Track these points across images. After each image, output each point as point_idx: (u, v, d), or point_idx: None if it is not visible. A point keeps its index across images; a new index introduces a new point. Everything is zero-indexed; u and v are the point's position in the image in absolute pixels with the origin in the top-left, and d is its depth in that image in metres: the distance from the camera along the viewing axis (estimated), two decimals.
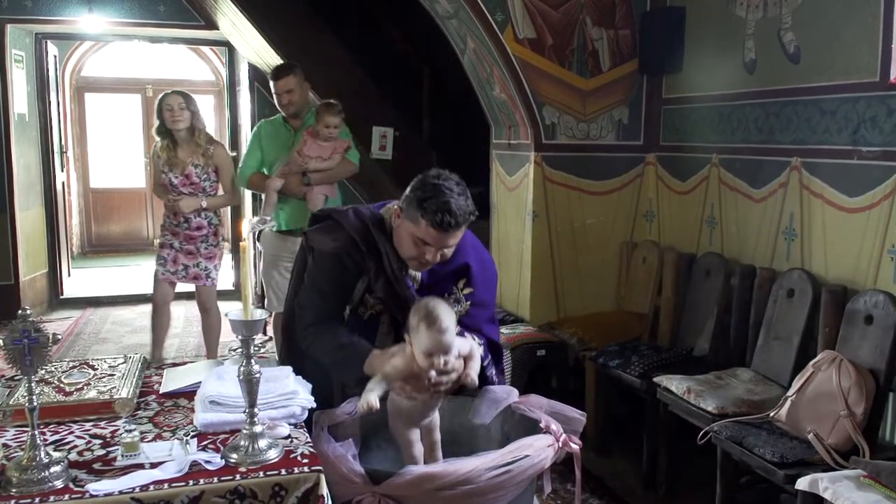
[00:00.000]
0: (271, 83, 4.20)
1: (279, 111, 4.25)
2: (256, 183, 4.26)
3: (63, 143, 7.81)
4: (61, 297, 6.93)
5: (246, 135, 7.14)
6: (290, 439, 1.79)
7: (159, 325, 4.64)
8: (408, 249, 2.15)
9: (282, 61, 4.71)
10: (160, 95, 4.34)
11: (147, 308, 6.60)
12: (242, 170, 4.32)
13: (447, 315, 1.97)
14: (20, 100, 6.26)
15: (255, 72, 6.81)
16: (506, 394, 2.34)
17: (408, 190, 2.16)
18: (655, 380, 3.19)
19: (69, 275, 7.50)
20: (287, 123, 4.26)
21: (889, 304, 2.59)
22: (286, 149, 4.15)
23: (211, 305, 4.58)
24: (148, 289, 7.24)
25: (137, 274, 8.17)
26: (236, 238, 7.17)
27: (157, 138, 4.33)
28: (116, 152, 9.70)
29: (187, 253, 4.40)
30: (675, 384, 3.07)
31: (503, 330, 3.93)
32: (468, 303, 2.32)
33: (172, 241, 4.38)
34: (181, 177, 4.30)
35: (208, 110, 9.89)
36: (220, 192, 4.48)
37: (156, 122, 4.32)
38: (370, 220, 2.24)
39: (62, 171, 7.49)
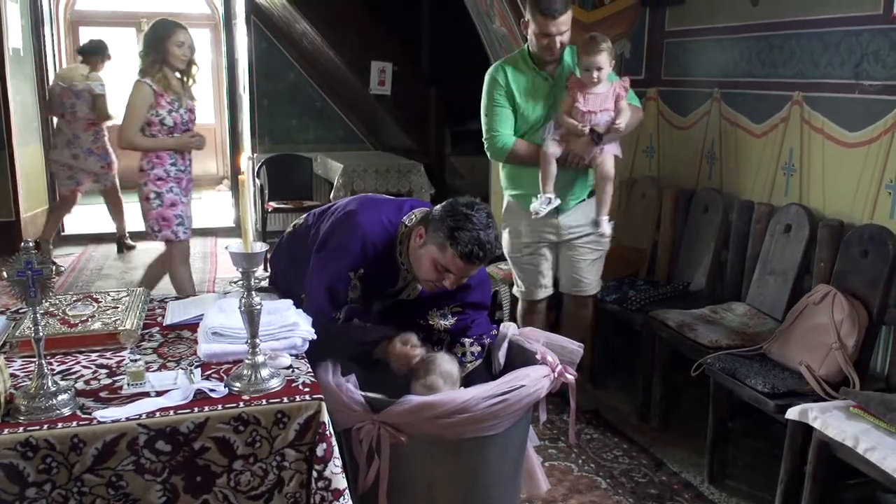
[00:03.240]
0: (537, 18, 3.03)
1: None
2: (523, 154, 3.15)
3: None
4: (63, 233, 6.95)
5: (243, 69, 7.06)
6: (291, 369, 1.83)
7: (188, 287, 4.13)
8: (426, 272, 2.14)
9: None
10: (158, 29, 3.86)
11: (149, 245, 6.66)
12: (497, 138, 3.17)
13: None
14: (14, 34, 6.17)
15: (251, 4, 6.70)
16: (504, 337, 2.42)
17: (436, 213, 2.12)
18: (651, 314, 3.23)
19: (70, 211, 7.50)
20: (540, 69, 3.16)
21: (885, 238, 2.61)
22: (547, 103, 3.16)
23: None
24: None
25: (138, 210, 8.17)
26: (236, 172, 7.15)
27: (149, 76, 3.78)
28: (112, 87, 9.57)
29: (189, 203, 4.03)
30: (670, 318, 3.12)
31: (501, 265, 3.97)
32: (455, 318, 2.35)
33: (180, 194, 3.94)
34: (189, 112, 3.95)
35: (204, 45, 9.75)
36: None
37: (145, 57, 3.82)
38: (391, 236, 2.23)
39: None
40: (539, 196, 3.09)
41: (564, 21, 3.04)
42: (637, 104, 3.26)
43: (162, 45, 3.80)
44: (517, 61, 3.21)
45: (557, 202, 3.10)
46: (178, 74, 3.90)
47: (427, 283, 2.18)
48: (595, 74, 3.02)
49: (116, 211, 6.50)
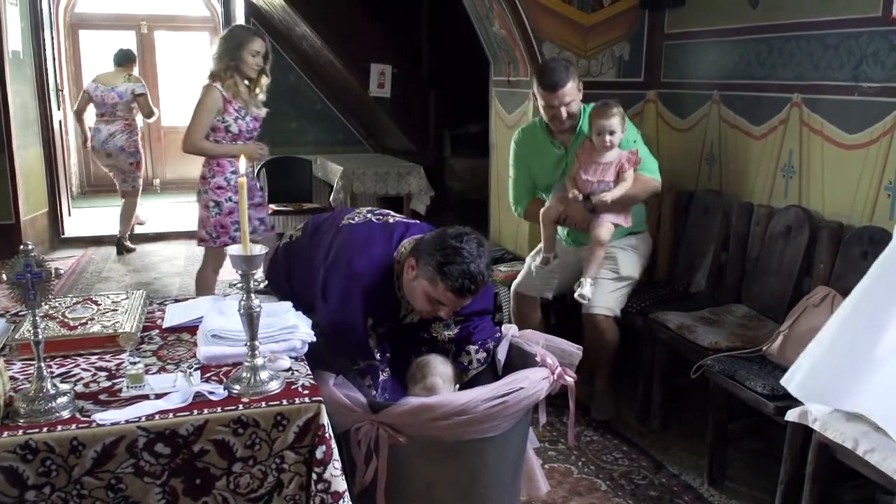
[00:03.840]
0: (539, 91, 3.22)
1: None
2: (535, 214, 3.37)
3: (59, 81, 7.73)
4: (62, 236, 6.96)
5: None
6: (290, 371, 1.83)
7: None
8: (420, 304, 2.14)
9: (547, 66, 3.29)
10: (236, 35, 3.80)
11: (149, 247, 6.67)
12: (517, 198, 3.53)
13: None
14: (14, 37, 6.17)
15: (251, 7, 6.70)
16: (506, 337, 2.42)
17: (425, 245, 2.10)
18: (651, 315, 3.23)
19: (69, 214, 7.51)
20: (552, 137, 3.34)
21: (884, 240, 2.60)
22: (558, 171, 3.34)
23: None
24: (148, 228, 7.37)
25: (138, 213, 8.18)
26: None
27: (220, 81, 3.71)
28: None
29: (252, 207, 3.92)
30: (669, 319, 3.11)
31: (502, 267, 3.97)
32: (458, 328, 2.34)
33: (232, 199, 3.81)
34: (254, 121, 3.86)
35: (203, 47, 9.76)
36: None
37: (218, 61, 3.72)
38: (388, 273, 2.21)
39: (59, 109, 7.43)
40: (541, 254, 3.34)
41: (568, 92, 3.16)
42: (651, 175, 3.25)
43: (238, 51, 3.71)
44: (534, 129, 3.43)
45: (555, 262, 3.30)
46: (246, 82, 3.80)
47: (423, 312, 2.19)
48: (607, 139, 3.06)
49: (127, 214, 6.63)
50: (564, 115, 3.19)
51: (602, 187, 3.10)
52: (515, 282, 3.57)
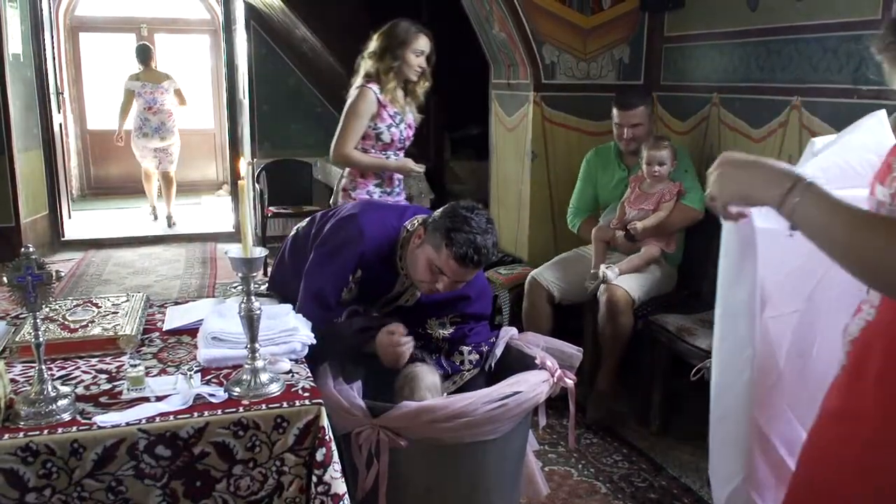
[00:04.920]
0: (614, 111, 3.57)
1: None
2: (588, 230, 3.60)
3: (59, 83, 7.74)
4: (63, 238, 6.96)
5: (243, 75, 7.08)
6: (291, 374, 1.83)
7: None
8: (422, 273, 2.13)
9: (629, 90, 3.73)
10: (399, 32, 3.33)
11: (149, 250, 6.68)
12: (575, 211, 3.77)
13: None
14: (14, 40, 6.18)
15: (251, 10, 6.71)
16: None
17: (436, 214, 2.13)
18: (651, 318, 3.23)
19: (70, 217, 7.52)
20: (621, 158, 3.66)
21: None
22: (618, 191, 3.62)
23: None
24: (148, 231, 7.38)
25: (138, 216, 8.20)
26: (235, 177, 7.17)
27: (376, 83, 3.31)
28: (113, 93, 9.60)
29: None
30: (669, 322, 3.12)
31: (501, 270, 3.97)
32: (454, 328, 2.35)
33: None
34: (408, 129, 3.45)
35: (204, 50, 9.77)
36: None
37: (377, 61, 3.31)
38: (392, 239, 2.23)
39: (59, 112, 7.44)
40: (592, 271, 3.43)
41: (636, 115, 3.47)
42: (692, 205, 3.39)
43: (401, 50, 3.30)
44: (608, 148, 3.71)
45: (612, 275, 3.29)
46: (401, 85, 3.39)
47: (422, 284, 2.17)
48: (655, 168, 3.35)
49: (168, 195, 7.67)
50: (627, 135, 3.50)
51: (640, 215, 3.36)
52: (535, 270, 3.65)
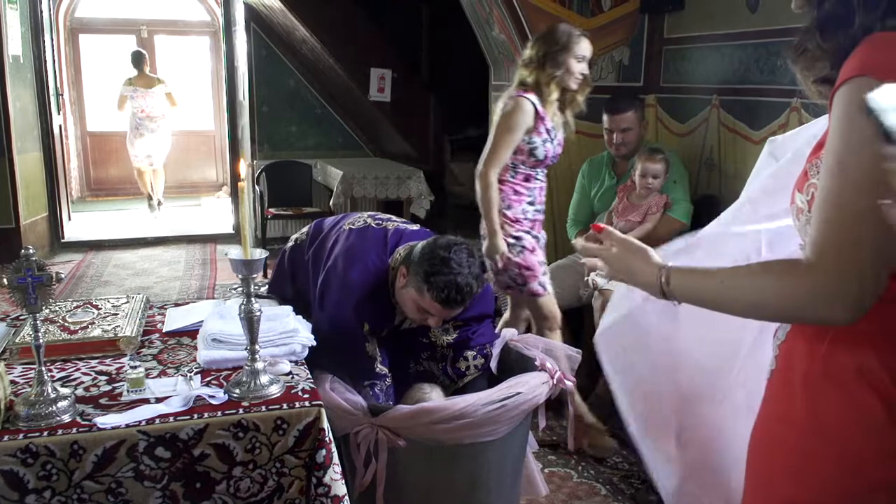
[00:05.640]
0: (604, 116, 3.56)
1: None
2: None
3: (59, 85, 7.74)
4: (62, 240, 6.96)
5: (243, 76, 7.09)
6: (290, 376, 1.83)
7: None
8: (411, 312, 2.16)
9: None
10: (561, 36, 2.97)
11: (148, 252, 6.68)
12: (573, 221, 3.79)
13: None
14: (14, 41, 6.18)
15: (251, 12, 6.71)
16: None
17: (416, 254, 2.11)
18: None
19: (69, 218, 7.51)
20: (612, 167, 3.67)
21: None
22: (610, 199, 3.60)
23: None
24: (148, 232, 7.39)
25: (138, 217, 8.21)
26: (235, 179, 7.19)
27: (535, 92, 2.96)
28: (113, 95, 9.61)
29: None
30: None
31: None
32: (457, 332, 2.35)
33: (537, 241, 3.10)
34: (559, 147, 3.10)
35: (204, 52, 9.77)
36: None
37: (538, 68, 2.97)
38: (382, 282, 2.22)
39: (59, 114, 7.44)
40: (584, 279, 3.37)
41: (625, 119, 3.48)
42: (678, 217, 3.37)
43: (563, 56, 2.94)
44: (601, 159, 3.72)
45: (602, 282, 3.20)
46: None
47: (414, 320, 2.21)
48: (649, 180, 3.32)
49: (156, 183, 8.28)
50: (616, 139, 3.51)
51: (627, 226, 3.32)
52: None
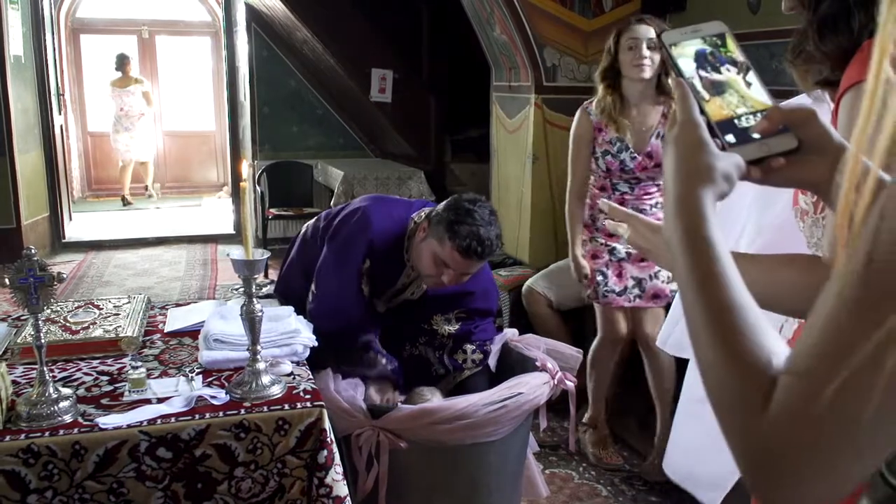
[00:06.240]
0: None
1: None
2: None
3: (60, 85, 7.75)
4: (63, 240, 6.96)
5: (244, 77, 7.10)
6: (292, 376, 1.83)
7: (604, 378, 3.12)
8: (426, 267, 2.14)
9: None
10: (616, 26, 2.75)
11: (149, 252, 6.68)
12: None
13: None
14: (16, 41, 6.19)
15: (252, 12, 6.71)
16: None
17: (440, 207, 2.14)
18: None
19: (70, 218, 7.52)
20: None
21: None
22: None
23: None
24: (149, 233, 7.39)
25: (139, 218, 8.21)
26: (236, 179, 7.19)
27: (598, 95, 2.75)
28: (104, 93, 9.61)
29: (637, 260, 2.84)
30: None
31: (502, 272, 3.97)
32: (459, 324, 2.35)
33: (604, 246, 2.89)
34: (642, 157, 2.74)
35: (205, 52, 9.78)
36: None
37: (598, 75, 2.73)
38: (399, 231, 2.24)
39: (60, 114, 7.44)
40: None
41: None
42: None
43: (615, 47, 2.69)
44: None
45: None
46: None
47: (427, 278, 2.18)
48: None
49: (146, 175, 9.18)
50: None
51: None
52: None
